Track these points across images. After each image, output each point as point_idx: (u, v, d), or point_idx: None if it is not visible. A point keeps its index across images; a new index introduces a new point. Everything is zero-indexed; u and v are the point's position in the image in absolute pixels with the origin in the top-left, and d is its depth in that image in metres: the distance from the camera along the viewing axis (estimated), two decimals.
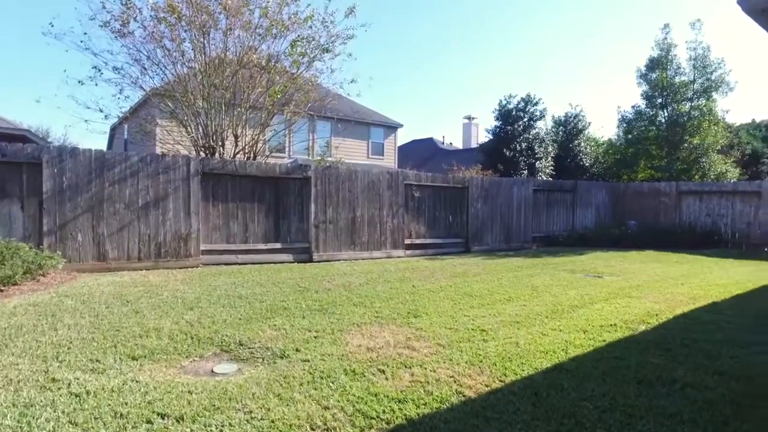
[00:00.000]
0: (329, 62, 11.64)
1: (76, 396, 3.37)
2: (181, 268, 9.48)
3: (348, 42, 11.42)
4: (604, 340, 4.98)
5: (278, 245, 10.92)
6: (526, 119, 22.00)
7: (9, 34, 67.21)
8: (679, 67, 21.37)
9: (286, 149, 21.50)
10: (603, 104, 67.04)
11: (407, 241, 13.05)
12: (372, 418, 3.15)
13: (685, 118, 20.99)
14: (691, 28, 21.07)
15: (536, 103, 22.23)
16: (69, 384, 3.57)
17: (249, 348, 4.66)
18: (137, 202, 9.20)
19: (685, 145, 21.15)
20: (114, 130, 24.89)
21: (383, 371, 4.02)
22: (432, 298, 7.22)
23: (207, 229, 10.05)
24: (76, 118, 21.89)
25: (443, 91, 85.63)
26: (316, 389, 3.60)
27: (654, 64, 21.65)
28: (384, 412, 3.23)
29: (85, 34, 11.23)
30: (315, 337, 5.02)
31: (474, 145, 42.09)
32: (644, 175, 23.44)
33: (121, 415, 3.11)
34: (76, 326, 5.11)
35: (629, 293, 7.77)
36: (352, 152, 25.02)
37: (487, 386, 3.71)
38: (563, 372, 4.01)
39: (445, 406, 3.34)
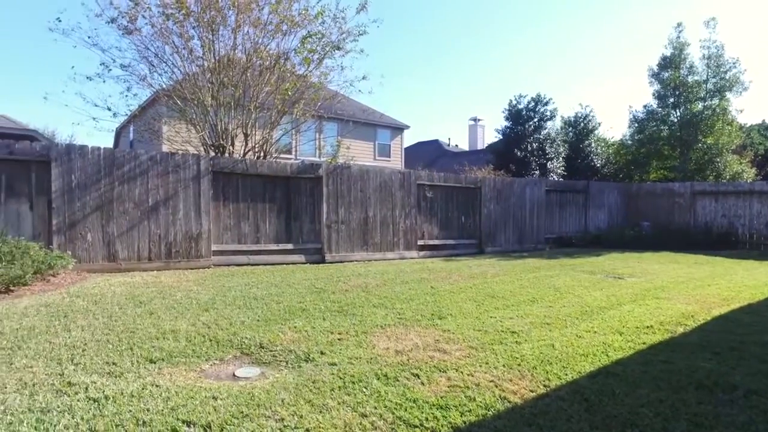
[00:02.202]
0: (339, 59, 11.44)
1: (95, 401, 3.14)
2: (192, 268, 9.26)
3: (359, 38, 11.20)
4: (644, 343, 4.72)
5: (290, 246, 10.69)
6: (536, 119, 21.73)
7: (15, 35, 67.53)
8: (692, 67, 21.01)
9: (293, 150, 21.31)
10: (612, 104, 66.60)
11: (420, 242, 12.80)
12: (415, 426, 2.90)
13: (698, 118, 20.65)
14: (705, 26, 20.76)
15: (546, 103, 21.97)
16: (86, 388, 3.34)
17: (270, 351, 4.43)
18: (147, 201, 8.99)
19: (699, 145, 20.81)
20: (119, 131, 24.80)
21: (417, 375, 3.77)
22: (453, 299, 6.97)
23: (218, 229, 9.83)
24: (84, 116, 21.93)
25: (447, 92, 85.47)
26: (349, 395, 3.36)
27: (666, 63, 21.32)
28: (427, 419, 2.99)
29: (95, 30, 11.04)
30: (339, 340, 4.79)
31: (480, 146, 41.89)
32: (656, 176, 23.11)
33: (144, 422, 2.87)
34: (89, 327, 4.89)
35: (656, 294, 7.50)
36: (358, 153, 24.82)
37: (531, 391, 3.46)
38: (610, 376, 3.75)
39: (491, 413, 3.09)
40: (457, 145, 47.53)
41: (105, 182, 8.59)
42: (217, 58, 10.89)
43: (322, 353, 4.35)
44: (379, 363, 4.08)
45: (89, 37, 10.49)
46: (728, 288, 8.11)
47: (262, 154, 11.45)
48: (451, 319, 5.75)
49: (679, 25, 21.03)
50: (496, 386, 3.56)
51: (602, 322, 5.62)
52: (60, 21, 10.30)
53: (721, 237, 16.41)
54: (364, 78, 11.49)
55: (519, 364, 4.06)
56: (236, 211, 10.07)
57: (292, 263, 10.51)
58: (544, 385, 3.59)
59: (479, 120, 43.70)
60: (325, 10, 10.89)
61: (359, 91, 12.22)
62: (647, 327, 5.35)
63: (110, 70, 10.70)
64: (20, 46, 69.32)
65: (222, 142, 10.70)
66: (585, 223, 17.41)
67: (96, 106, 10.83)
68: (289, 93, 10.79)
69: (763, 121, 35.49)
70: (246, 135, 11.09)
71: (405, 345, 4.63)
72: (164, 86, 11.14)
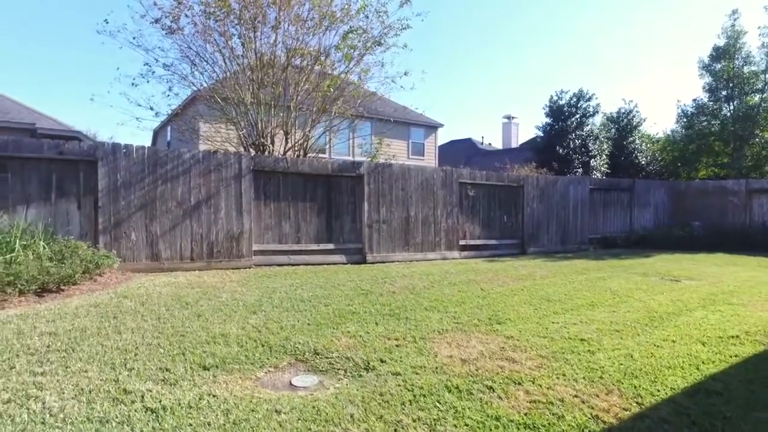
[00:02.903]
0: (380, 55, 11.13)
1: (153, 412, 2.94)
2: (233, 268, 9.15)
3: (401, 33, 10.86)
4: (735, 355, 4.27)
5: (331, 246, 10.49)
6: (578, 115, 20.92)
7: (60, 39, 70.09)
8: (748, 56, 19.77)
9: (327, 149, 21.18)
10: (657, 99, 63.98)
11: (462, 242, 12.43)
12: None
13: (755, 111, 19.42)
14: (765, 11, 19.43)
15: (589, 99, 21.11)
16: (142, 396, 3.15)
17: (326, 357, 4.18)
18: (189, 200, 8.92)
19: (756, 140, 19.59)
20: (157, 133, 25.23)
21: (492, 388, 3.46)
22: (507, 302, 6.61)
23: (259, 229, 9.71)
24: (128, 116, 23.01)
25: (479, 90, 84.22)
26: (422, 410, 3.07)
27: (719, 53, 20.13)
28: None
29: (140, 30, 11.11)
30: (397, 346, 4.51)
31: (514, 144, 40.98)
32: (705, 173, 21.92)
33: None
34: (139, 330, 4.75)
35: (727, 300, 6.95)
36: (392, 152, 24.49)
37: (625, 410, 3.10)
38: (712, 395, 3.35)
39: None
40: (490, 144, 46.70)
41: (148, 181, 8.56)
42: (257, 55, 10.78)
43: (382, 361, 4.08)
44: (446, 373, 3.78)
45: (134, 38, 10.56)
46: None
47: (302, 152, 11.29)
48: (510, 324, 5.40)
49: (734, 12, 19.78)
50: (583, 402, 3.20)
51: (677, 330, 5.17)
52: (107, 23, 10.40)
53: None
54: (406, 74, 11.17)
55: (601, 377, 3.69)
56: (277, 211, 9.93)
57: (333, 263, 10.31)
58: (637, 403, 3.22)
59: (513, 118, 42.77)
60: (368, 4, 10.63)
61: (401, 87, 11.90)
62: (732, 337, 4.88)
63: (153, 72, 10.73)
64: (62, 51, 71.92)
65: (262, 140, 10.58)
66: (630, 223, 16.68)
67: (139, 105, 10.91)
68: (331, 90, 10.58)
69: None
70: (286, 133, 10.94)
71: (469, 353, 4.31)
72: (205, 85, 11.10)
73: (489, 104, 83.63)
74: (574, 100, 21.10)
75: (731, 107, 20.32)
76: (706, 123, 20.87)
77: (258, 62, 10.69)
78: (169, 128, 23.55)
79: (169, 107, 11.48)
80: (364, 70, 10.96)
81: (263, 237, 9.78)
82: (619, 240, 15.87)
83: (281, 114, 11.01)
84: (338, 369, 3.94)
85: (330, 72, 11.14)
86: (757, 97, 19.79)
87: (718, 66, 20.22)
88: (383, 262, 10.82)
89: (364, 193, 10.79)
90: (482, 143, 46.00)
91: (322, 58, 11.16)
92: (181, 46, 10.61)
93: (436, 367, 3.93)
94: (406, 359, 4.13)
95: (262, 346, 4.43)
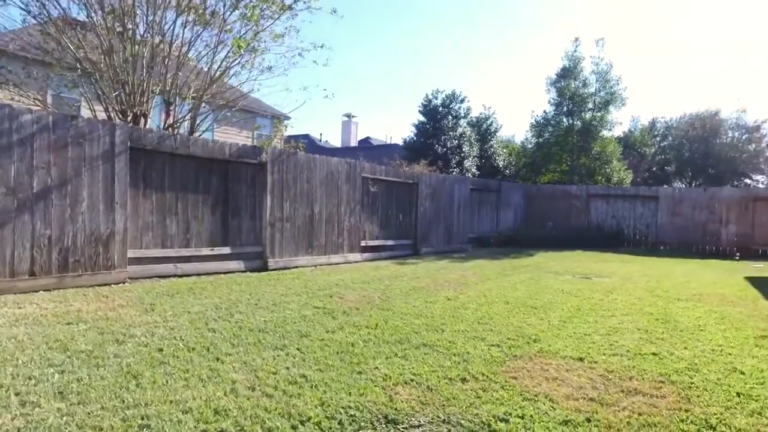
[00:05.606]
0: (288, 21, 9.09)
1: None
2: (100, 284, 6.38)
3: None
4: None
5: (227, 250, 8.24)
6: (451, 116, 21.42)
7: None
8: (585, 80, 22.99)
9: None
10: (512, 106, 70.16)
11: (362, 243, 11.17)
12: None
13: (589, 127, 22.41)
14: (595, 44, 22.85)
15: (462, 100, 21.90)
16: None
17: (412, 426, 2.73)
18: (30, 185, 5.92)
19: (592, 152, 22.59)
20: None
21: None
22: (498, 312, 5.80)
23: (136, 229, 7.04)
24: None
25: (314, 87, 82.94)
26: None
27: (565, 73, 22.80)
28: None
29: None
30: (482, 390, 3.21)
31: (353, 143, 41.06)
32: (549, 178, 24.52)
33: None
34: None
35: (681, 296, 7.23)
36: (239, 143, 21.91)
37: None
38: None
39: None
40: (327, 141, 46.17)
41: None
42: None
43: (501, 419, 2.80)
44: (612, 427, 2.63)
45: None
46: (713, 284, 8.19)
47: (190, 130, 8.66)
48: (552, 341, 4.53)
49: (576, 39, 23.02)
50: None
51: (721, 335, 4.85)
52: None
53: (611, 236, 17.73)
54: (322, 46, 9.27)
55: None
56: (160, 204, 7.36)
57: (230, 271, 8.10)
58: None
59: (353, 117, 42.83)
60: None
61: (314, 61, 9.91)
62: None
63: None
64: None
65: (139, 108, 7.65)
66: (497, 223, 17.42)
67: None
68: (244, 47, 8.04)
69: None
70: (168, 103, 8.20)
71: (580, 388, 3.21)
72: (35, 19, 7.66)
73: (326, 102, 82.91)
74: (448, 101, 21.62)
75: (571, 121, 23.15)
76: (551, 133, 23.43)
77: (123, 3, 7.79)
78: None
79: None
80: (278, 35, 8.74)
81: (141, 240, 7.13)
82: (491, 239, 16.40)
83: (160, 75, 8.20)
84: None
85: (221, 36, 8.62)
86: (589, 115, 22.92)
87: (562, 84, 22.90)
88: (287, 268, 8.96)
89: (267, 185, 8.77)
90: (321, 140, 45.16)
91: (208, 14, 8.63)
92: None
93: (587, 419, 2.73)
94: (526, 411, 2.91)
95: (302, 423, 2.64)
